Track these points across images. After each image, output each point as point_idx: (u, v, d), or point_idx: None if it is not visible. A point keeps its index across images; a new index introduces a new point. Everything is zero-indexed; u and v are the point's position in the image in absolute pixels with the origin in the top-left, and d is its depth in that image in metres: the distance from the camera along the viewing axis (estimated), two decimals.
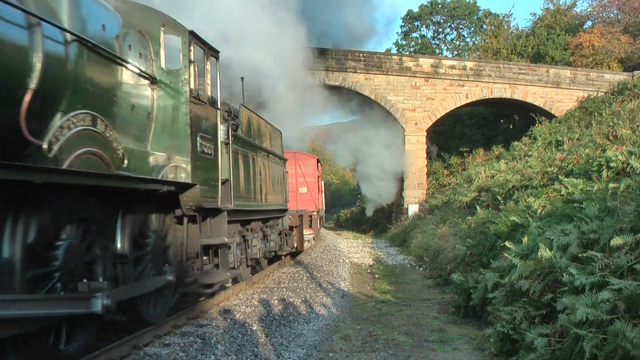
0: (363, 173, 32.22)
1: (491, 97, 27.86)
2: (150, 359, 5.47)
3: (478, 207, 12.99)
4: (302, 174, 20.29)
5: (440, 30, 49.86)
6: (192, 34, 7.22)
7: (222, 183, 8.04)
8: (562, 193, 9.21)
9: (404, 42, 49.14)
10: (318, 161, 22.91)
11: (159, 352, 5.64)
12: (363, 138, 29.42)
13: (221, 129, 8.13)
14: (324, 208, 29.34)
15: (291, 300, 9.00)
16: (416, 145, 27.21)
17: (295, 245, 14.42)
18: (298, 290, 9.95)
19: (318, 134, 42.16)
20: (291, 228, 13.75)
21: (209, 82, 7.83)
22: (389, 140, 27.48)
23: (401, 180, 28.10)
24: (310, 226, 18.83)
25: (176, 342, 6.05)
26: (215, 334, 6.43)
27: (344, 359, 6.12)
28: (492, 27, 40.80)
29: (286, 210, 13.04)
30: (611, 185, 7.78)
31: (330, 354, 6.25)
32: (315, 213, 19.91)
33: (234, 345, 6.19)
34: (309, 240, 18.13)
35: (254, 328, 7.01)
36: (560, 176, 10.52)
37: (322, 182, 27.96)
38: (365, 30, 55.12)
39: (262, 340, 6.60)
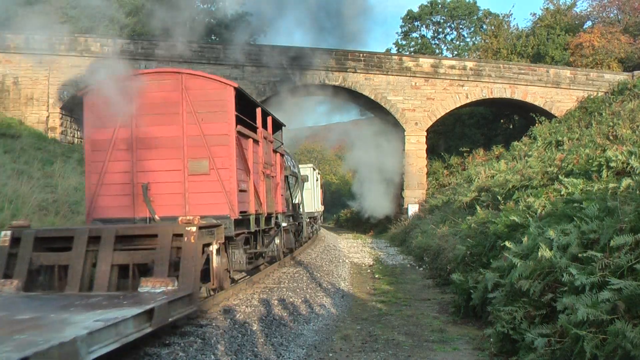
0: (360, 187, 32.11)
1: (491, 97, 27.87)
2: (150, 359, 5.47)
3: (478, 207, 12.99)
4: (197, 124, 8.70)
5: (440, 30, 49.81)
6: None
7: None
8: (562, 193, 9.21)
9: (404, 42, 49.09)
10: (240, 95, 9.16)
11: (159, 352, 5.65)
12: (362, 141, 29.24)
13: None
14: (301, 210, 16.94)
15: (291, 300, 9.00)
16: (416, 145, 27.23)
17: None
18: (298, 290, 9.94)
19: (317, 134, 42.05)
20: None
21: None
22: (388, 148, 27.35)
23: (401, 182, 28.09)
24: (175, 270, 6.80)
25: (176, 342, 6.05)
26: (215, 334, 6.43)
27: (344, 359, 6.12)
28: (492, 27, 40.80)
29: None
30: (611, 185, 7.79)
31: (330, 354, 6.25)
32: (193, 230, 6.82)
33: (234, 345, 6.19)
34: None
35: (254, 328, 7.01)
36: (560, 176, 10.53)
37: (287, 158, 14.89)
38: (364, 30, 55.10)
39: (262, 340, 6.59)
